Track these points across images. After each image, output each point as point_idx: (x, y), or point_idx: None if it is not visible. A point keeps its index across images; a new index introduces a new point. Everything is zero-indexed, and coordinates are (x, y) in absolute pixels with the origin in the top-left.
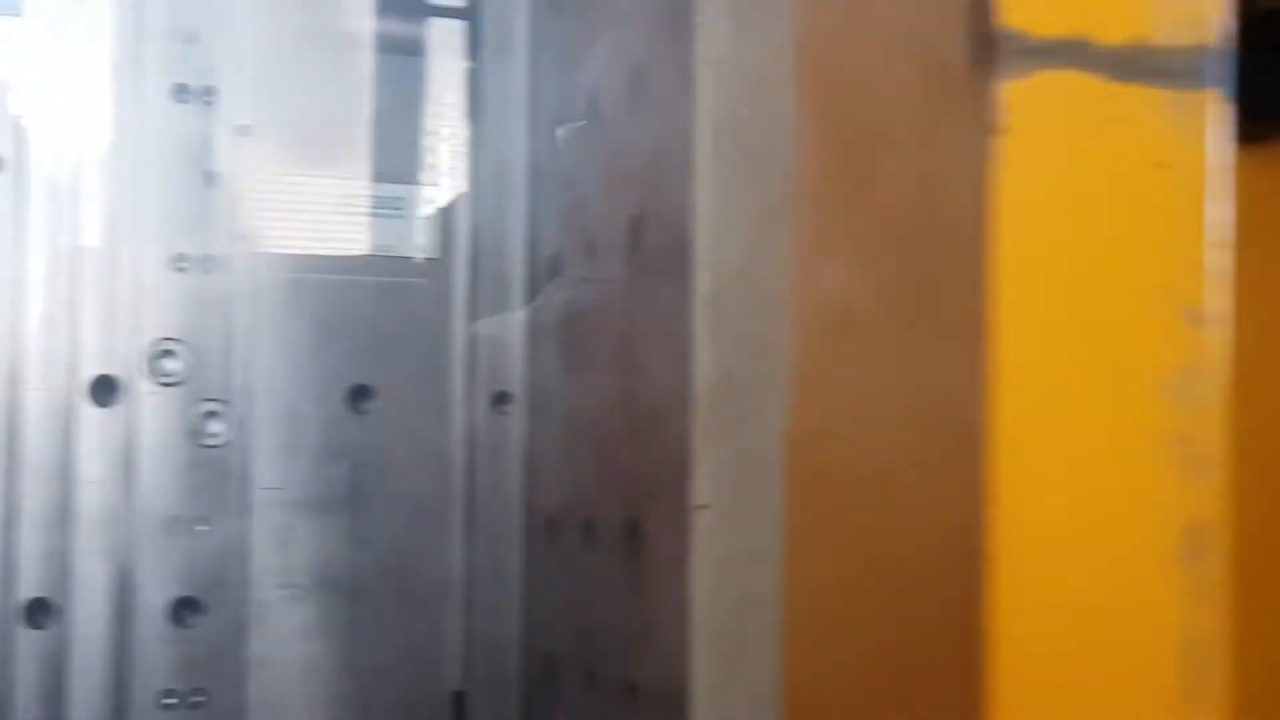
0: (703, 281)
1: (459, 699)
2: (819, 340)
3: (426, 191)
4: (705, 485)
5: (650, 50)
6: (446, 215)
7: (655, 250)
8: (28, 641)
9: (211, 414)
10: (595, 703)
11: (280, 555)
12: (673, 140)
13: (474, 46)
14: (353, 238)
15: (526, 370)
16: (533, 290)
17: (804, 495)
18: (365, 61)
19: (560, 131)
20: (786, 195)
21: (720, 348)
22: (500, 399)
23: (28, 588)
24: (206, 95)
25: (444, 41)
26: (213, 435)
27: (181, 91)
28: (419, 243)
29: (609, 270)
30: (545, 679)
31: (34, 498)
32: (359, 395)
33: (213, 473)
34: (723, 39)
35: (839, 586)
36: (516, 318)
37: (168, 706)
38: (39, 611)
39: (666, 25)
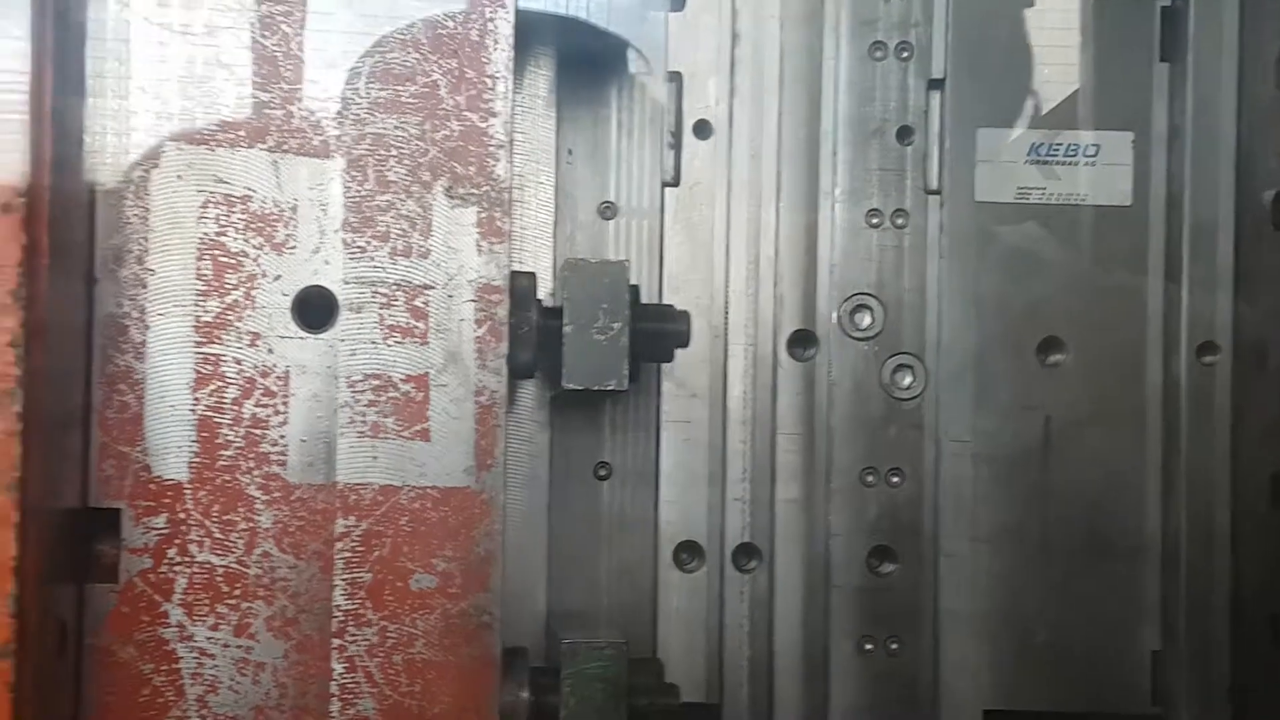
0: None
1: (1159, 658)
2: None
3: (1118, 137)
4: None
5: None
6: (1141, 161)
7: None
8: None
9: (903, 367)
10: None
11: (969, 507)
12: None
13: None
14: (1044, 187)
15: (1236, 319)
16: (1241, 235)
17: None
18: (1052, 8)
19: None
20: None
21: None
22: (1205, 349)
23: (735, 534)
24: (901, 51)
25: None
26: (904, 389)
27: (877, 48)
28: (1113, 190)
29: None
30: (1266, 643)
31: (740, 447)
32: (1049, 347)
33: (904, 425)
34: None
35: None
36: None
37: (866, 651)
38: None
39: None
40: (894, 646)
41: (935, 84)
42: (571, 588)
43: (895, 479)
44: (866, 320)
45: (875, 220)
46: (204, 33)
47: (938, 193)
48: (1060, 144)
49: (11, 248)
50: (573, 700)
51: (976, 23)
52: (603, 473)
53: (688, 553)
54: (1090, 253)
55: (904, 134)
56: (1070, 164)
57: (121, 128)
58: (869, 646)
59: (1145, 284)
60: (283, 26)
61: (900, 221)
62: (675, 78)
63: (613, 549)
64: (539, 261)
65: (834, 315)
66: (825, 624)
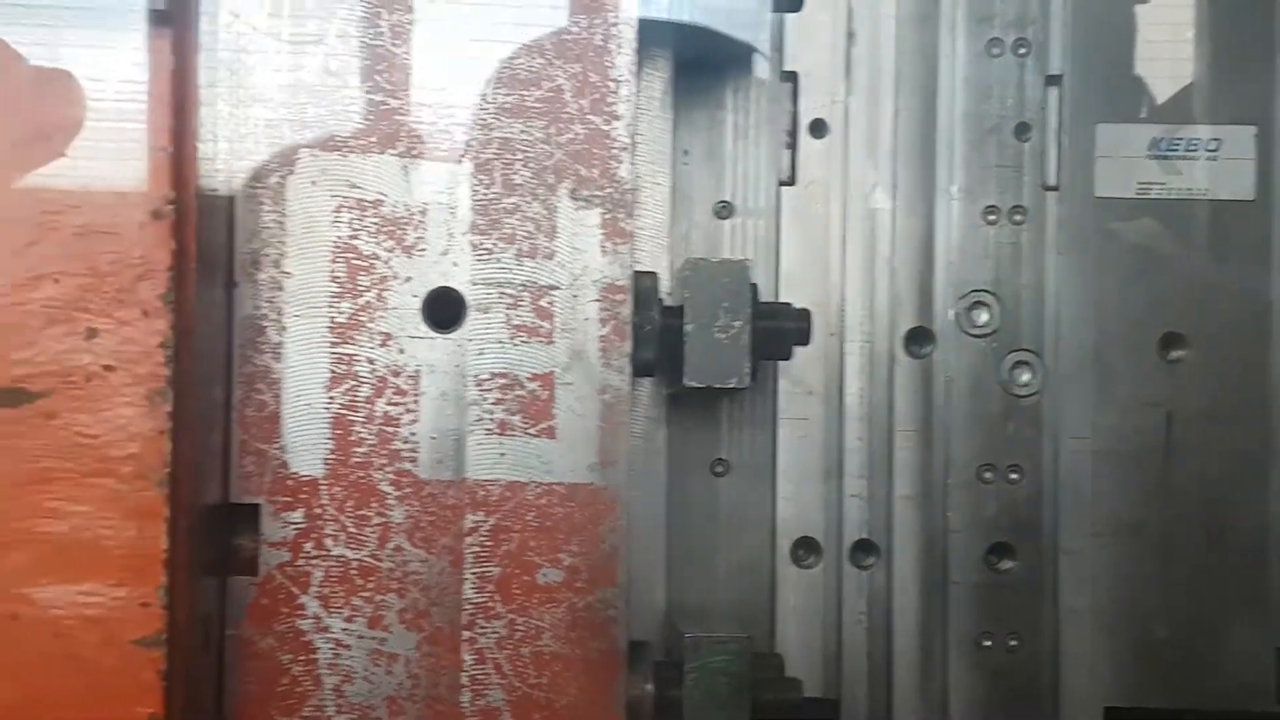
0: None
1: None
2: None
3: (1240, 131)
4: None
5: None
6: (1264, 155)
7: None
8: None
9: (1021, 364)
10: None
11: (1089, 504)
12: None
13: None
14: (1164, 182)
15: None
16: None
17: None
18: (1169, 3)
19: None
20: None
21: None
22: None
23: (852, 530)
24: (1018, 47)
25: None
26: (1022, 385)
27: (994, 45)
28: (1235, 184)
29: None
30: None
31: (856, 444)
32: (1170, 343)
33: (1022, 421)
34: None
35: None
36: None
37: (985, 648)
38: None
39: None
40: (1013, 643)
41: (1053, 80)
42: (690, 583)
43: (1014, 476)
44: (984, 317)
45: (992, 217)
46: (336, 41)
47: (1056, 189)
48: (1181, 139)
49: (162, 253)
50: (696, 694)
51: (1094, 18)
52: (720, 469)
53: (805, 549)
54: (1212, 248)
55: (1021, 130)
56: (1191, 159)
57: (234, 135)
58: (988, 643)
59: (1268, 279)
60: (412, 34)
61: (1018, 218)
62: (791, 77)
63: (730, 545)
64: (656, 262)
65: (951, 312)
66: (943, 620)
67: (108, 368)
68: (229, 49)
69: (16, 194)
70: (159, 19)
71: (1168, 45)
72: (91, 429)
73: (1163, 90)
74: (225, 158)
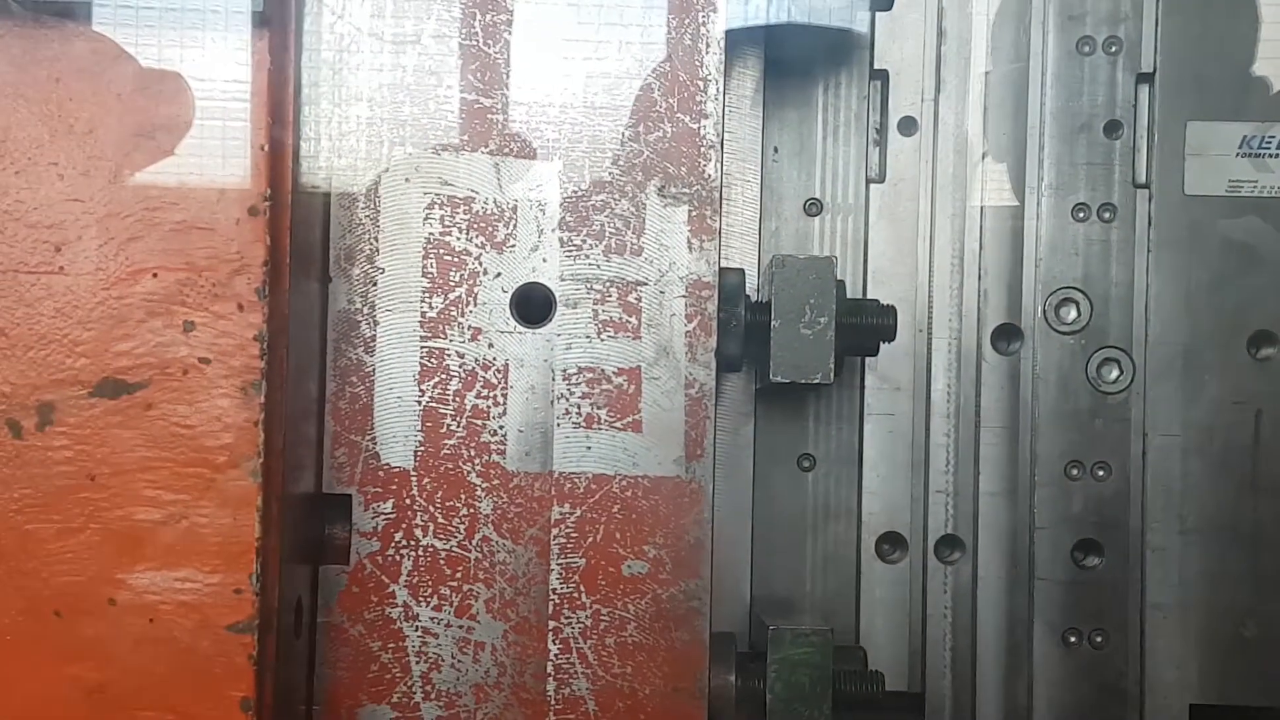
0: None
1: None
2: None
3: None
4: None
5: None
6: None
7: None
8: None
9: (1109, 361)
10: None
11: (1177, 501)
12: None
13: None
14: (1255, 180)
15: None
16: None
17: None
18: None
19: None
20: None
21: None
22: None
23: (938, 525)
24: (1109, 45)
25: None
26: (1110, 382)
27: (1085, 43)
28: None
29: None
30: None
31: (943, 440)
32: (1260, 341)
33: (1110, 419)
34: None
35: None
36: None
37: (1070, 644)
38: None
39: None
40: (1098, 639)
41: (1144, 78)
42: (775, 576)
43: (1101, 473)
44: (1072, 314)
45: (1081, 214)
46: (431, 40)
47: (1146, 186)
48: (1273, 136)
49: (257, 248)
50: (779, 685)
51: (1185, 16)
52: (806, 464)
53: (890, 544)
54: None
55: (1112, 128)
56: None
57: (336, 133)
58: (1073, 639)
59: None
60: (504, 35)
61: (1107, 215)
62: (881, 75)
63: (816, 539)
64: (744, 258)
65: (1039, 309)
66: (1028, 616)
67: (204, 360)
68: (332, 49)
69: (119, 189)
70: (260, 20)
71: (1261, 44)
72: (188, 419)
73: (1255, 89)
74: (327, 155)
